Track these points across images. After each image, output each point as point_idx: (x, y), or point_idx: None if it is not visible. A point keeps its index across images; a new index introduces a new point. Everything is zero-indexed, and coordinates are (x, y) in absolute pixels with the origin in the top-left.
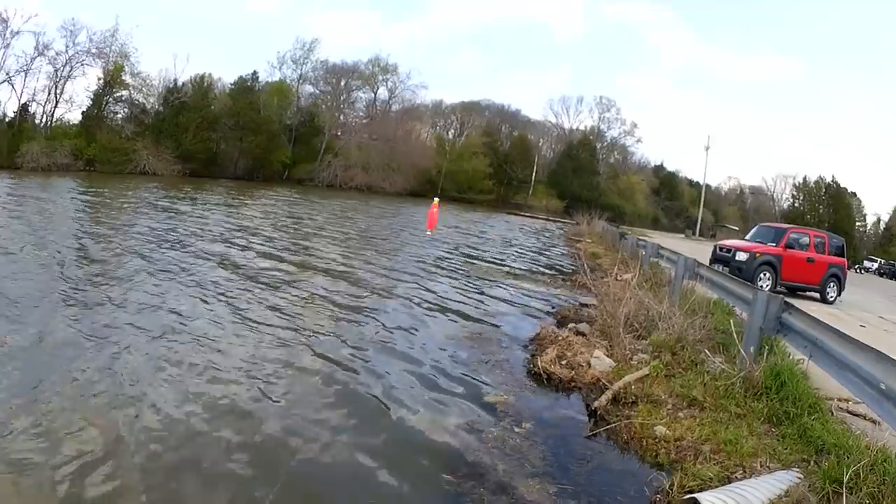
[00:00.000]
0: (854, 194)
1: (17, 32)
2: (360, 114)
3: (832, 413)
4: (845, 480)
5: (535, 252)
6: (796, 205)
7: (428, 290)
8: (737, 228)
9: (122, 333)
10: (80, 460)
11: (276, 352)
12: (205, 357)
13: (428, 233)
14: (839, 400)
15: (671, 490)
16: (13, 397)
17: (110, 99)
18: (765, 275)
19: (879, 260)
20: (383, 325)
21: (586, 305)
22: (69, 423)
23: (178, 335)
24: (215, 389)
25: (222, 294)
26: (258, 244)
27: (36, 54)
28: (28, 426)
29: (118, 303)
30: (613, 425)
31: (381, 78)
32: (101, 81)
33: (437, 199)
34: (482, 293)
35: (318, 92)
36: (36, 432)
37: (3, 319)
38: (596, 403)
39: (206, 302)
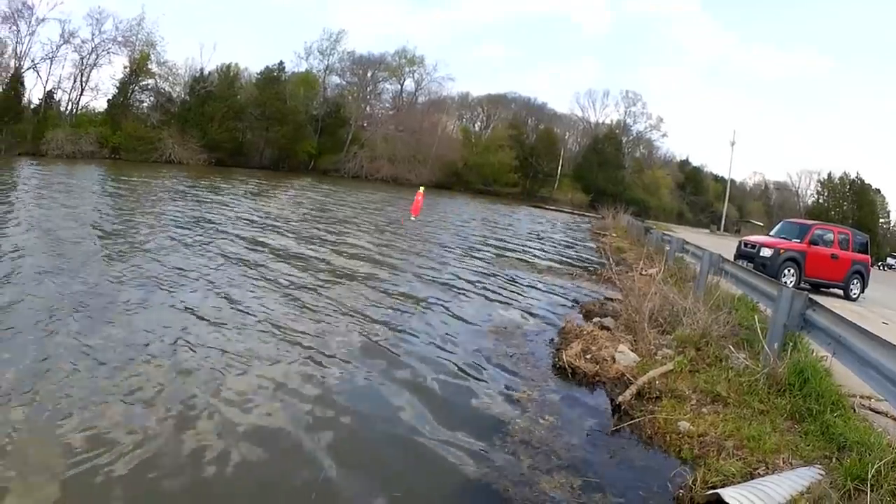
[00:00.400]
0: (878, 191)
1: (43, 20)
2: (387, 105)
3: (854, 410)
4: (869, 477)
5: (560, 245)
6: (820, 201)
7: (456, 282)
8: (761, 224)
9: (179, 323)
10: (152, 453)
11: (313, 339)
12: (261, 343)
13: (412, 219)
14: (862, 397)
15: (694, 485)
16: (80, 395)
17: (136, 87)
18: (789, 271)
19: None
20: (413, 316)
21: (611, 300)
22: (133, 416)
23: (234, 325)
24: (275, 374)
25: (271, 281)
26: (298, 233)
27: (61, 42)
28: (99, 422)
29: (169, 290)
30: (637, 420)
31: (407, 70)
32: (127, 70)
33: (422, 188)
34: (508, 286)
35: (344, 83)
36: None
37: (63, 310)
38: (620, 398)
39: (254, 291)
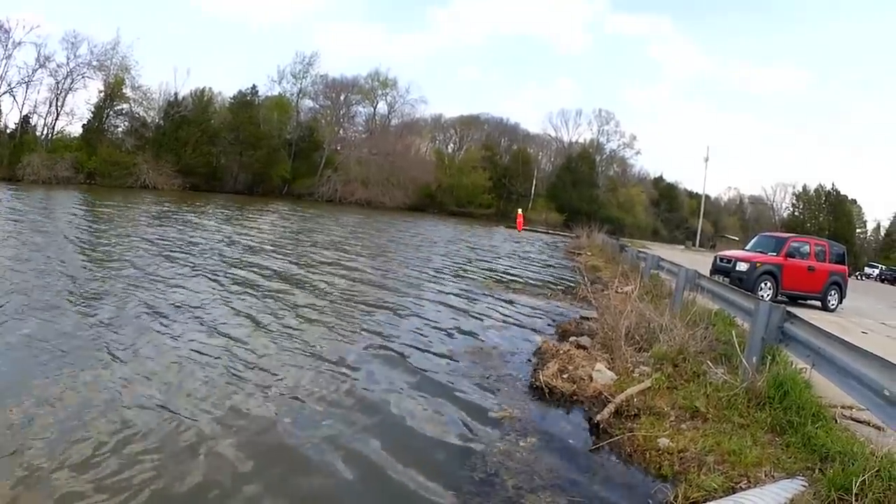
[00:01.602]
0: (854, 201)
1: (19, 43)
2: (360, 128)
3: (836, 421)
4: (854, 488)
5: (536, 265)
6: (796, 213)
7: (433, 303)
8: (737, 238)
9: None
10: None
11: (290, 368)
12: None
13: (518, 232)
14: (843, 407)
15: (676, 501)
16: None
17: (111, 112)
18: (766, 284)
19: (880, 266)
20: (390, 339)
21: (587, 318)
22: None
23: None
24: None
25: (246, 302)
26: (276, 258)
27: (37, 66)
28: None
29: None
30: (617, 438)
31: (380, 92)
32: (102, 94)
33: (520, 210)
34: (485, 307)
35: (317, 106)
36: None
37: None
38: (598, 417)
39: (237, 311)
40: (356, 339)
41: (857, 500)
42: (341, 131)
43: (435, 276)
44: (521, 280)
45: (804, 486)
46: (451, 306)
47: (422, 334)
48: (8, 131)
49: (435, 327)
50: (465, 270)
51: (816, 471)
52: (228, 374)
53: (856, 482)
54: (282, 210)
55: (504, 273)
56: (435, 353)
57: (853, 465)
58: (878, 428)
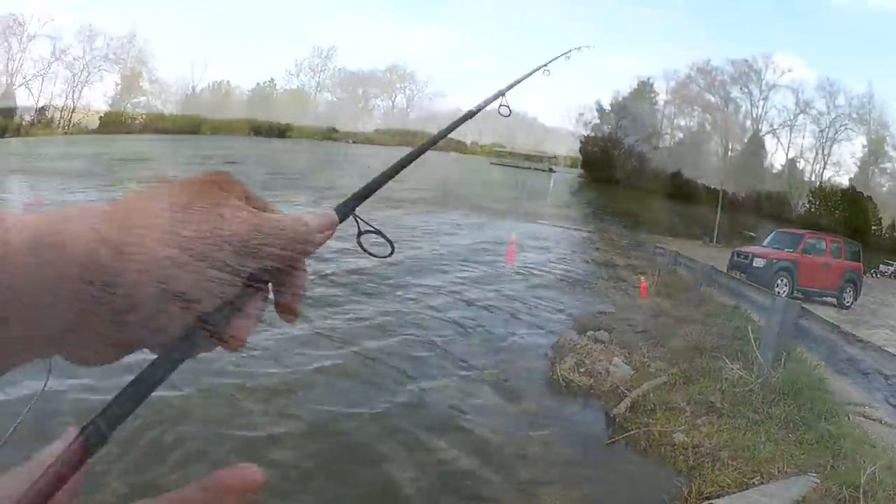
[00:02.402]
0: (870, 198)
1: (34, 36)
2: (378, 122)
3: (849, 418)
4: (862, 483)
5: (553, 259)
6: (812, 210)
7: (449, 294)
8: (754, 235)
9: None
10: None
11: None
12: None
13: (508, 266)
14: (856, 405)
15: (689, 496)
16: None
17: (128, 105)
18: (782, 280)
19: (895, 264)
20: (402, 329)
21: (604, 313)
22: None
23: None
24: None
25: None
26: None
27: (53, 59)
28: None
29: None
30: (632, 433)
31: (398, 86)
32: (119, 87)
33: (514, 236)
34: (501, 300)
35: (335, 100)
36: None
37: None
38: (614, 411)
39: None
40: (372, 329)
41: (865, 498)
42: (360, 125)
43: (458, 265)
44: (539, 272)
45: (816, 483)
46: (470, 297)
47: (438, 326)
48: (24, 123)
49: (452, 317)
50: (485, 261)
51: (828, 468)
52: None
53: (863, 476)
54: (303, 204)
55: (523, 266)
56: (451, 345)
57: (864, 462)
58: (891, 426)
